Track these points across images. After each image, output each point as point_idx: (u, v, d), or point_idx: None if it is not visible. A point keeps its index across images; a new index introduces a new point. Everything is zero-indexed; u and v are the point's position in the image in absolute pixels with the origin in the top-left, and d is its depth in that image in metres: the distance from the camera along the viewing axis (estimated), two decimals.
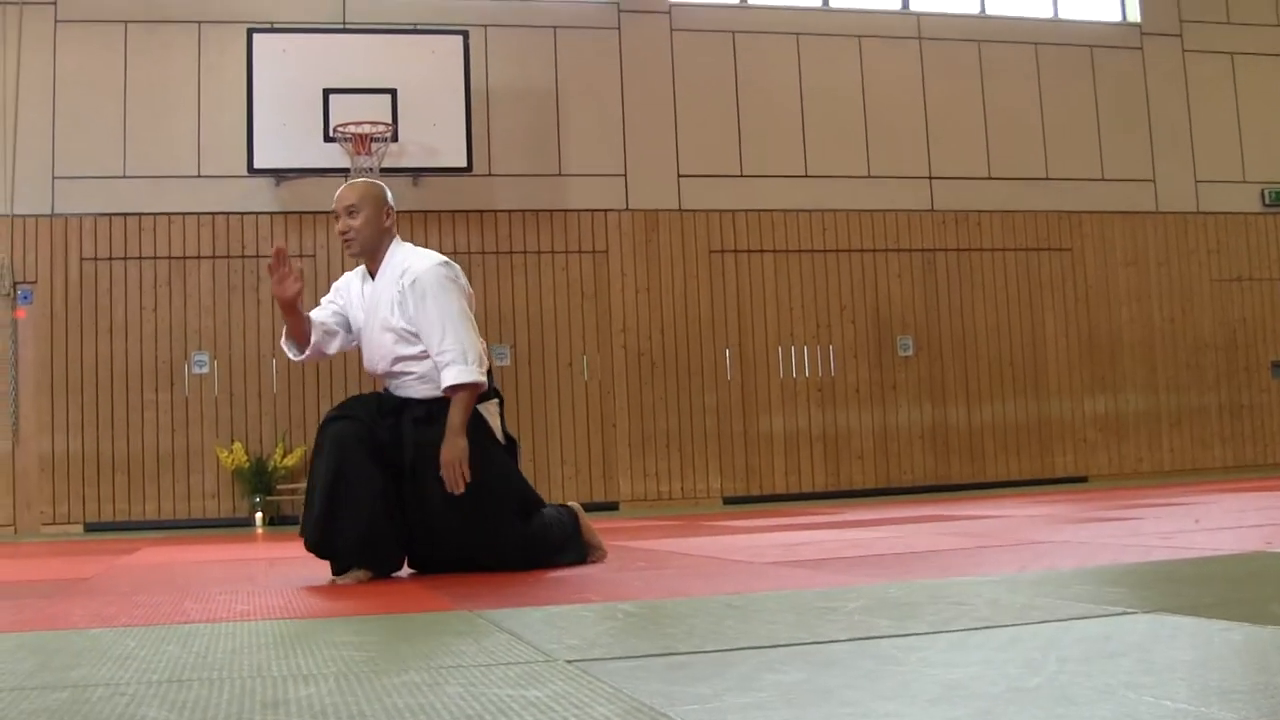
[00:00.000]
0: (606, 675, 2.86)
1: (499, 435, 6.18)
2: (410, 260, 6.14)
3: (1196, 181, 18.72)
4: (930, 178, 17.64)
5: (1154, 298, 18.40)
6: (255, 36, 15.36)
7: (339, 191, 6.36)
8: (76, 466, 15.20)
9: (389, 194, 6.38)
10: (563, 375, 16.46)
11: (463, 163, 15.64)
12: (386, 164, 15.21)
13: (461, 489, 5.80)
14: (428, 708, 2.54)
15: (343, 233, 6.22)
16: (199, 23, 16.01)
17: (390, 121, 15.27)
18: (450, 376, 5.87)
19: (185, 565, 7.68)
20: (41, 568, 8.00)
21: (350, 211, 6.20)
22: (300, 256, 15.83)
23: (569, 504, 6.74)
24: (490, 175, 16.38)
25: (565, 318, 16.52)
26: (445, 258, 6.18)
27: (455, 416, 5.83)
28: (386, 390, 6.24)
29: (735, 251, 16.93)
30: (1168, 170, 18.65)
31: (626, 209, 16.79)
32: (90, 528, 15.04)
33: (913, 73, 17.94)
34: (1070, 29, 18.68)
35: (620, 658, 3.14)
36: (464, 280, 6.16)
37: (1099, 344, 18.14)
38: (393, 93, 15.45)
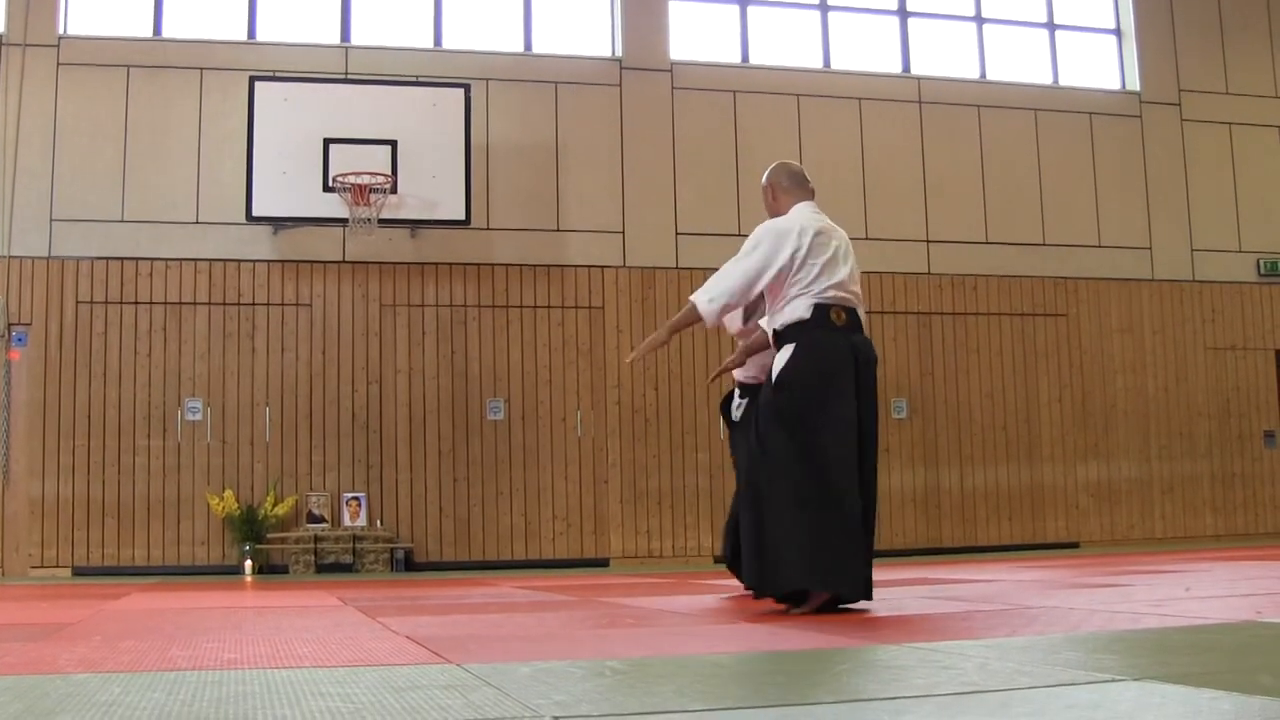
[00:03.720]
0: None
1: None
2: None
3: (1192, 250, 18.77)
4: (928, 241, 17.68)
5: (1148, 365, 18.42)
6: (257, 85, 15.40)
7: None
8: (66, 510, 15.15)
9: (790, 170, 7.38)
10: (556, 430, 16.44)
11: (461, 215, 15.67)
12: (385, 215, 15.23)
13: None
14: None
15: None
16: (201, 69, 16.06)
17: (390, 173, 15.30)
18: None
19: (173, 612, 7.65)
20: (28, 611, 7.97)
21: (763, 190, 7.38)
22: (296, 305, 15.85)
23: None
24: (488, 229, 16.41)
25: (560, 373, 16.51)
26: (787, 217, 7.11)
27: None
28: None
29: None
30: (1164, 238, 18.70)
31: (624, 265, 16.81)
32: (78, 572, 14.98)
33: (912, 136, 18.00)
34: (1070, 96, 18.76)
35: (608, 715, 3.12)
36: (777, 235, 6.96)
37: (1093, 410, 18.14)
38: (393, 144, 15.48)
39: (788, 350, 6.80)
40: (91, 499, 15.20)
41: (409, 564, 15.54)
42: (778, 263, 6.81)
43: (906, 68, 18.37)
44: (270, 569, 15.25)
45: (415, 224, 15.85)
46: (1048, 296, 18.15)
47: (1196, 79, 19.17)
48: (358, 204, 15.05)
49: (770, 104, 17.55)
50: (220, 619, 6.95)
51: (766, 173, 7.36)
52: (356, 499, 15.62)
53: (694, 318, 7.03)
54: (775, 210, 7.21)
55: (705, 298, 6.94)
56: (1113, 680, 3.58)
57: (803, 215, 7.03)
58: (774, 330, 6.97)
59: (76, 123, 15.72)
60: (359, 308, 16.01)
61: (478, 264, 16.39)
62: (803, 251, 6.82)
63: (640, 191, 16.98)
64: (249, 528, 15.07)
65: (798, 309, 6.80)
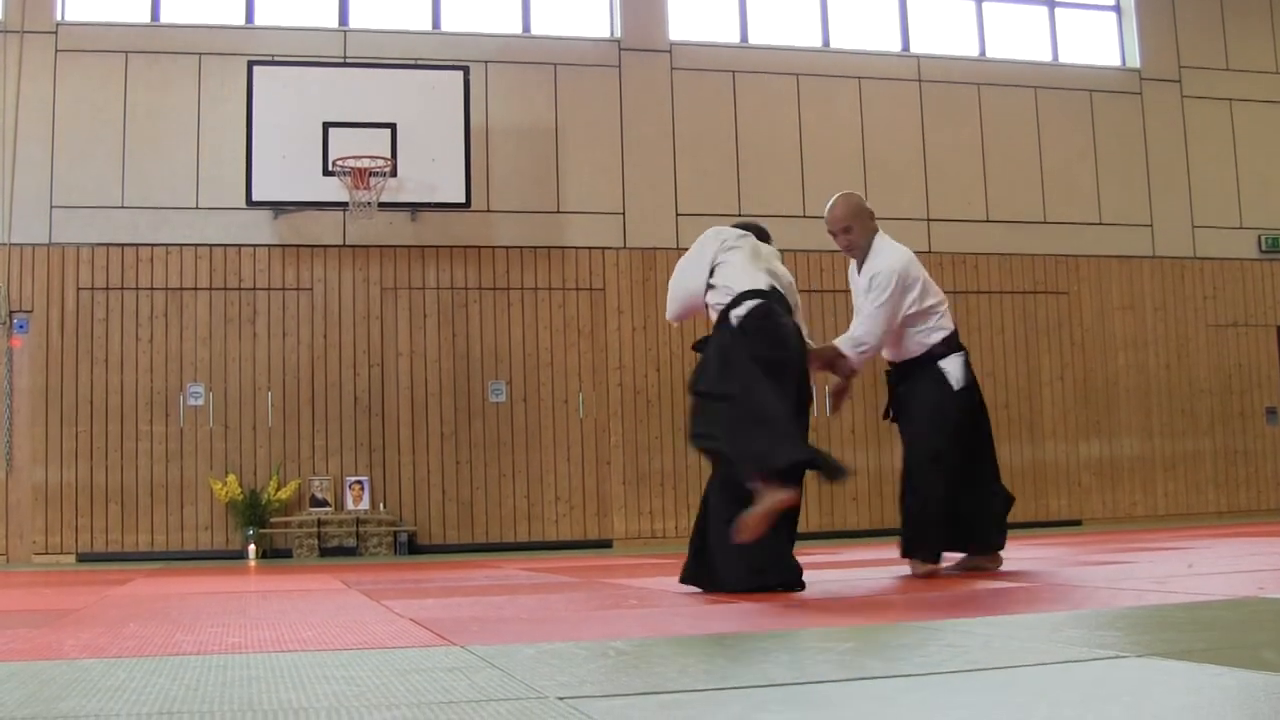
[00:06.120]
0: (598, 713, 2.85)
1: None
2: (878, 257, 7.83)
3: (1194, 227, 18.75)
4: (928, 220, 17.66)
5: (1150, 342, 18.41)
6: (256, 69, 15.39)
7: (830, 214, 7.89)
8: (70, 496, 15.17)
9: (865, 200, 8.04)
10: (558, 412, 16.44)
11: (461, 198, 15.66)
12: (385, 199, 15.23)
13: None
14: None
15: (846, 249, 7.92)
16: (200, 54, 16.05)
17: (389, 156, 15.29)
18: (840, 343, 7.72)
19: (177, 597, 7.66)
20: (33, 598, 7.98)
21: (846, 230, 7.80)
22: (297, 289, 15.85)
23: None
24: (489, 211, 16.40)
25: (561, 355, 16.51)
26: (902, 258, 7.89)
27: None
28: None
29: None
30: (1165, 215, 18.68)
31: (624, 247, 16.80)
32: (83, 558, 15.00)
33: (912, 115, 17.98)
34: (1070, 73, 18.73)
35: (612, 695, 3.13)
36: (911, 279, 7.92)
37: (1094, 388, 18.14)
38: (392, 127, 15.47)
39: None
40: (95, 485, 15.22)
41: (412, 547, 15.55)
42: (904, 308, 7.87)
43: (906, 46, 18.34)
44: (274, 553, 15.28)
45: (415, 207, 15.84)
46: (1049, 274, 18.14)
47: (1197, 55, 19.13)
48: (358, 188, 15.04)
49: (770, 84, 17.52)
50: (224, 604, 6.95)
51: (842, 211, 7.84)
52: (359, 482, 15.64)
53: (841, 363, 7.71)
54: (855, 243, 7.85)
55: (855, 350, 7.71)
56: (1116, 657, 3.58)
57: (905, 254, 7.96)
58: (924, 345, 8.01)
59: (76, 109, 15.71)
60: (360, 291, 16.01)
61: (478, 246, 16.38)
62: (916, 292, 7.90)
63: (640, 172, 16.96)
64: (252, 512, 15.09)
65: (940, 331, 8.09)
